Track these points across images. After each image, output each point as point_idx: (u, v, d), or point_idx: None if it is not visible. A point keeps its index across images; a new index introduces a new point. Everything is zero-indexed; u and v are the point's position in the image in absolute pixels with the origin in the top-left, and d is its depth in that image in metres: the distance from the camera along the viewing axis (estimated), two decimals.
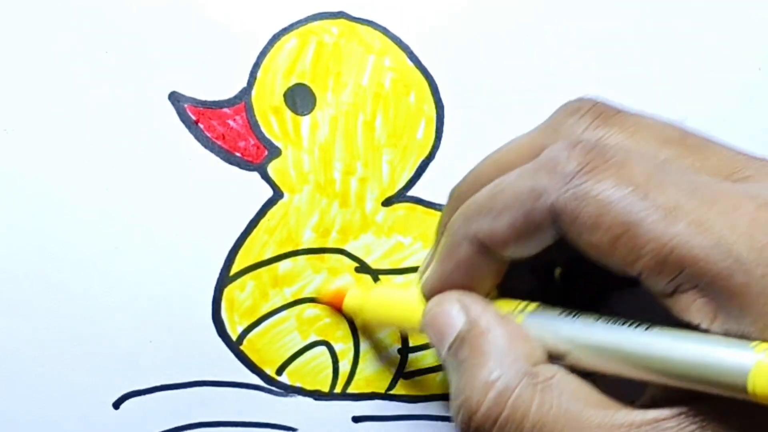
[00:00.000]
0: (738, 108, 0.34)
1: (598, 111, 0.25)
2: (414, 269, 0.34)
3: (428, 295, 0.28)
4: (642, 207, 0.21)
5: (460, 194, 0.28)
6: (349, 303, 0.33)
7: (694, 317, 0.21)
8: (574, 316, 0.24)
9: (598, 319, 0.24)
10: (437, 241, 0.29)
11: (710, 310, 0.21)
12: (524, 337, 0.25)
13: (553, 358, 0.24)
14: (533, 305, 0.26)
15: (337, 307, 0.34)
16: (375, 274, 0.34)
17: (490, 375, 0.23)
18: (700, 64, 0.34)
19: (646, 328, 0.22)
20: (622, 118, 0.25)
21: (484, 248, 0.25)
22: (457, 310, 0.26)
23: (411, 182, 0.34)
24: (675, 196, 0.21)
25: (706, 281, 0.20)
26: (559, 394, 0.23)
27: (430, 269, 0.28)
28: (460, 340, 0.25)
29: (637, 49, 0.34)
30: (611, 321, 0.23)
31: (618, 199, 0.21)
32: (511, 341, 0.24)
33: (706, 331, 0.21)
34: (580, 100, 0.26)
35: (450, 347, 0.26)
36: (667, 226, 0.21)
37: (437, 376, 0.35)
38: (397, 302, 0.31)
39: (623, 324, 0.23)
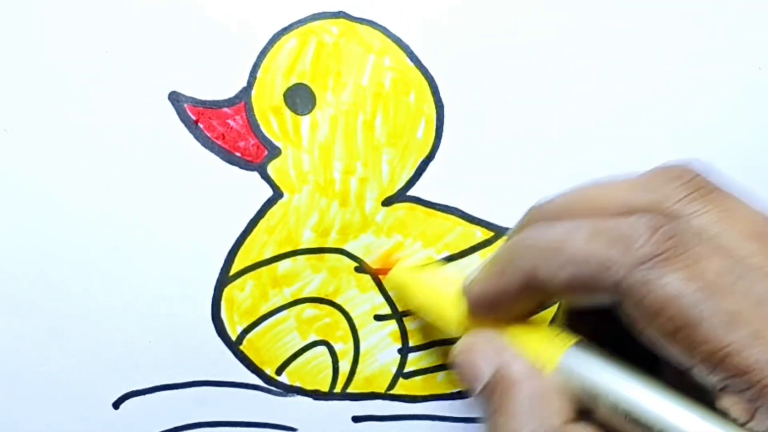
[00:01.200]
0: (738, 108, 0.34)
1: (698, 185, 0.25)
2: None
3: (469, 301, 0.28)
4: (705, 307, 0.21)
5: (539, 215, 0.27)
6: (393, 278, 0.33)
7: (735, 413, 0.21)
8: (613, 364, 0.24)
9: (635, 374, 0.24)
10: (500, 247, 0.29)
11: (751, 410, 0.21)
12: (555, 392, 0.24)
13: (585, 408, 0.24)
14: (572, 340, 0.25)
15: (378, 274, 0.33)
16: (375, 274, 0.34)
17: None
18: (700, 64, 0.34)
19: (680, 401, 0.22)
20: (718, 199, 0.24)
21: (538, 285, 0.25)
22: (489, 357, 0.26)
23: (411, 182, 0.34)
24: (741, 303, 0.21)
25: (756, 390, 0.21)
26: None
27: (479, 275, 0.27)
28: (490, 390, 0.26)
29: (637, 49, 0.34)
30: (648, 380, 0.23)
31: (684, 294, 0.22)
32: (541, 397, 0.24)
33: (742, 425, 0.21)
34: (684, 167, 0.25)
35: (479, 393, 0.26)
36: (727, 332, 0.21)
37: (437, 376, 0.35)
38: (437, 298, 0.30)
39: (659, 388, 0.23)
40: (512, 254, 0.26)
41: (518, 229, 0.28)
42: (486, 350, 0.26)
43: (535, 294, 0.25)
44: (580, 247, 0.24)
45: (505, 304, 0.26)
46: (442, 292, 0.30)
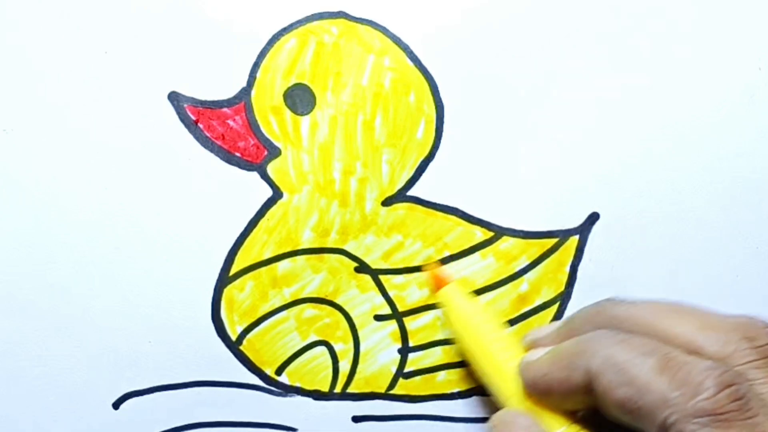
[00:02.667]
0: (738, 108, 0.34)
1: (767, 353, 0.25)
2: (414, 269, 0.34)
3: (525, 380, 0.29)
4: None
5: (612, 317, 0.28)
6: (446, 297, 0.33)
7: None
8: None
9: None
10: (563, 330, 0.30)
11: None
12: None
13: None
14: None
15: (433, 283, 0.33)
16: (375, 274, 0.34)
17: None
18: (700, 64, 0.34)
19: None
20: None
21: (593, 391, 0.25)
22: None
23: (411, 182, 0.34)
24: None
25: None
26: None
27: (543, 360, 0.28)
28: None
29: (637, 50, 0.34)
30: None
31: None
32: None
33: None
34: (765, 328, 0.26)
35: None
36: None
37: (437, 376, 0.35)
38: (487, 352, 0.31)
39: None
40: (580, 353, 0.26)
41: (588, 316, 0.29)
42: None
43: (588, 397, 0.26)
44: (647, 375, 0.24)
45: (558, 395, 0.27)
46: (498, 354, 0.30)
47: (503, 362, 0.30)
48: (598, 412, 0.26)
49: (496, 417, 0.29)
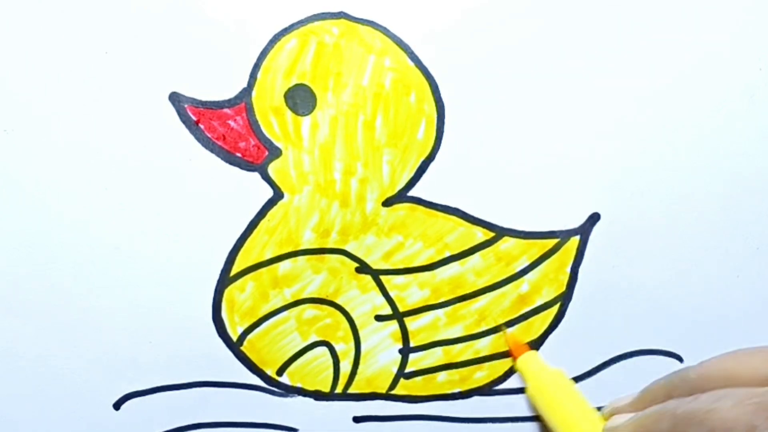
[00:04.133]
0: (738, 108, 0.34)
1: None
2: (413, 269, 0.34)
3: None
4: None
5: (685, 384, 0.28)
6: (527, 366, 0.34)
7: None
8: None
9: None
10: (643, 398, 0.30)
11: None
12: None
13: None
14: None
15: (514, 351, 0.34)
16: (375, 275, 0.34)
17: None
18: (701, 64, 0.34)
19: None
20: None
21: None
22: None
23: (411, 182, 0.34)
24: None
25: None
26: None
27: (625, 425, 0.29)
28: None
29: (638, 50, 0.34)
30: None
31: None
32: None
33: None
34: None
35: None
36: None
37: (438, 377, 0.35)
38: (570, 421, 0.32)
39: None
40: (662, 422, 0.27)
41: (665, 385, 0.29)
42: None
43: None
44: (727, 413, 0.24)
45: None
46: (580, 422, 0.31)
47: (586, 430, 0.31)
48: None
49: None
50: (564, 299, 0.34)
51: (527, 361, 0.34)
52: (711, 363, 0.28)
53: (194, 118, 0.33)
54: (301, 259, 0.34)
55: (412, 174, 0.34)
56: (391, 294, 0.34)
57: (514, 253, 0.34)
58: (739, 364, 0.26)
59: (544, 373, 0.33)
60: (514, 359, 0.34)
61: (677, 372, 0.29)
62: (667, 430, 0.26)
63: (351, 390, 0.34)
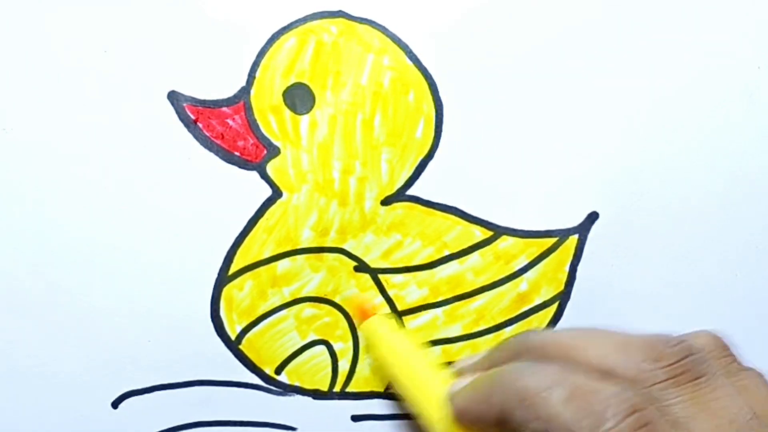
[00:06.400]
0: (738, 108, 0.34)
1: (682, 369, 0.24)
2: (412, 268, 0.34)
3: (453, 409, 0.28)
4: None
5: (528, 348, 0.27)
6: (368, 329, 0.33)
7: None
8: None
9: None
10: (485, 360, 0.30)
11: None
12: None
13: None
14: None
15: (358, 315, 0.34)
16: (374, 273, 0.34)
17: None
18: (700, 64, 0.34)
19: None
20: (699, 390, 0.24)
21: (512, 422, 0.25)
22: None
23: (410, 181, 0.34)
24: None
25: None
26: None
27: (466, 390, 0.28)
28: None
29: (637, 49, 0.34)
30: None
31: None
32: None
33: None
34: (681, 345, 0.25)
35: None
36: None
37: None
38: (417, 381, 0.31)
39: None
40: (497, 387, 0.26)
41: (509, 346, 0.29)
42: None
43: (509, 427, 0.25)
44: (554, 406, 0.24)
45: (483, 424, 0.27)
46: (425, 382, 0.30)
47: (432, 390, 0.30)
48: None
49: None
50: (563, 298, 0.34)
51: (372, 324, 0.33)
52: (558, 336, 0.27)
53: (193, 117, 0.33)
54: (299, 257, 0.34)
55: (410, 173, 0.34)
56: (390, 293, 0.34)
57: (512, 252, 0.34)
58: (585, 347, 0.26)
59: (391, 335, 0.32)
60: (358, 324, 0.34)
61: (524, 334, 0.28)
62: (498, 406, 0.25)
63: (349, 389, 0.34)
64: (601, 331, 0.26)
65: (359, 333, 0.34)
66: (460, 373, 0.30)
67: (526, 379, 0.25)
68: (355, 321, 0.34)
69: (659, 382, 0.24)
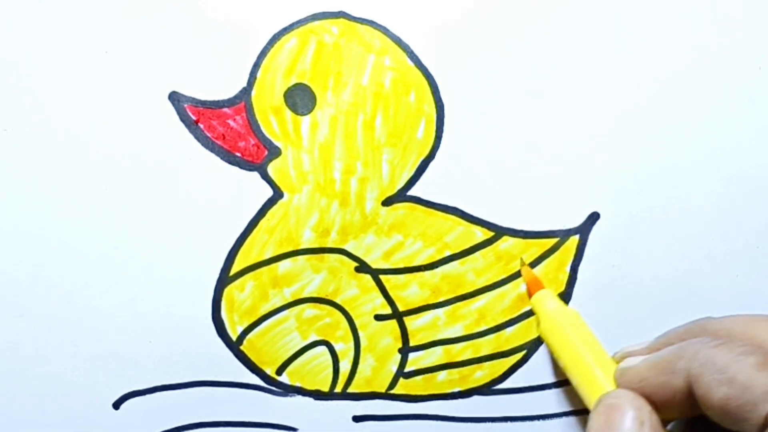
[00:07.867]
0: (738, 108, 0.34)
1: None
2: (413, 268, 0.34)
3: (621, 387, 0.28)
4: None
5: (705, 330, 0.28)
6: (540, 304, 0.33)
7: None
8: None
9: None
10: (657, 343, 0.30)
11: None
12: None
13: None
14: None
15: (529, 287, 0.34)
16: (375, 274, 0.34)
17: None
18: (700, 64, 0.34)
19: None
20: None
21: (692, 394, 0.25)
22: (632, 419, 0.27)
23: (411, 182, 0.34)
24: None
25: None
26: None
27: (640, 367, 0.28)
28: None
29: (637, 50, 0.34)
30: None
31: None
32: None
33: None
34: None
35: None
36: None
37: (437, 376, 0.35)
38: (584, 361, 0.31)
39: None
40: (679, 357, 0.26)
41: (682, 333, 0.29)
42: (630, 414, 0.27)
43: (686, 403, 0.26)
44: (747, 372, 0.24)
45: (656, 400, 0.27)
46: (593, 362, 0.31)
47: (599, 369, 0.30)
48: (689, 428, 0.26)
49: (601, 399, 0.28)
50: (564, 298, 0.34)
51: (542, 299, 0.33)
52: (735, 321, 0.27)
53: (194, 118, 0.33)
54: (300, 258, 0.34)
55: (411, 173, 0.34)
56: (391, 293, 0.34)
57: (513, 252, 0.34)
58: (764, 330, 0.26)
59: (558, 313, 0.33)
60: (530, 296, 0.34)
61: (697, 321, 0.29)
62: (684, 372, 0.26)
63: (350, 389, 0.34)
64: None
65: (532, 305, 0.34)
66: (625, 356, 0.30)
67: (717, 348, 0.25)
68: (528, 292, 0.34)
69: None
